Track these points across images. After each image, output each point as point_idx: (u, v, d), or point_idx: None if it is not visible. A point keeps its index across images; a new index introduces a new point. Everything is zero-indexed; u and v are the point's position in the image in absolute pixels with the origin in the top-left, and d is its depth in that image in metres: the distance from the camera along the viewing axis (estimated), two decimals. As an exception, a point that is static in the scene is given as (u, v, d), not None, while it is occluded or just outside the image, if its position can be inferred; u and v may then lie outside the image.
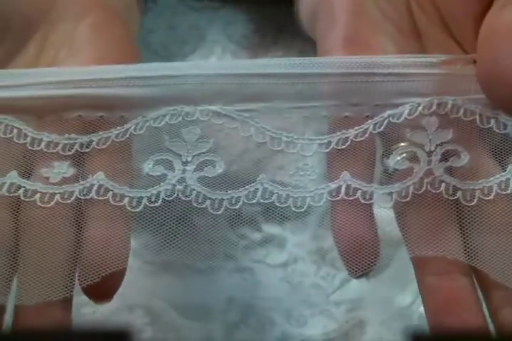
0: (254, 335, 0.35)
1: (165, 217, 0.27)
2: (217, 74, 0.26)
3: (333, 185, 0.26)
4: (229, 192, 0.26)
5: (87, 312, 0.26)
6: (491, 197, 0.25)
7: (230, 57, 0.40)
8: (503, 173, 0.25)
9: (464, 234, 0.25)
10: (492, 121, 0.26)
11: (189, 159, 0.26)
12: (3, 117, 0.27)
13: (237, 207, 0.25)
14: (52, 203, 0.25)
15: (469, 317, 0.24)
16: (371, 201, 0.26)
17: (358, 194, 0.25)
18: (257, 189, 0.26)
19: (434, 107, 0.26)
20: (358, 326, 0.35)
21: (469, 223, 0.25)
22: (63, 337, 0.23)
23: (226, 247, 0.36)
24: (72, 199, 0.26)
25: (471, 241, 0.25)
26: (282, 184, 0.26)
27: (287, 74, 0.26)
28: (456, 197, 0.25)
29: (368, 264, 0.25)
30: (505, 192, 0.25)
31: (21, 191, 0.26)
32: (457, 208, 0.26)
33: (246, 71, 0.26)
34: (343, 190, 0.26)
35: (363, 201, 0.25)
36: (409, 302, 0.35)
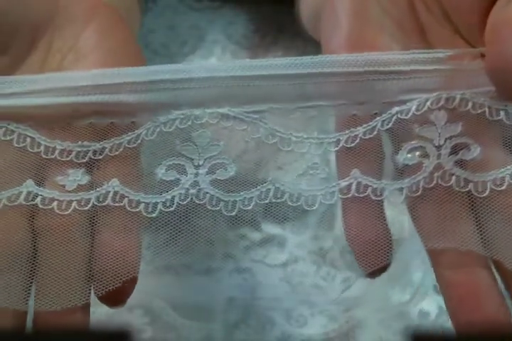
0: (254, 335, 0.35)
1: (165, 217, 0.27)
2: (225, 77, 0.26)
3: (343, 183, 0.26)
4: (241, 193, 0.26)
5: (87, 312, 0.26)
6: (504, 187, 0.25)
7: (230, 57, 0.40)
8: None
9: (479, 225, 0.25)
10: (502, 113, 0.26)
11: (201, 162, 0.26)
12: (16, 126, 0.27)
13: (250, 207, 0.26)
14: (69, 210, 0.26)
15: (492, 310, 0.24)
16: (382, 197, 0.26)
17: (369, 190, 0.26)
18: (269, 189, 0.26)
19: (443, 102, 0.26)
20: (357, 326, 0.35)
21: (483, 214, 0.25)
22: (63, 337, 0.23)
23: (226, 247, 0.36)
24: (89, 206, 0.26)
25: (486, 232, 0.25)
26: (293, 183, 0.26)
27: (294, 75, 0.26)
28: (467, 189, 0.25)
29: (383, 261, 0.25)
30: None
31: (39, 199, 0.26)
32: (471, 200, 0.26)
33: (252, 73, 0.26)
34: (353, 187, 0.26)
35: (373, 197, 0.26)
36: (409, 303, 0.35)
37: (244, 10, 0.42)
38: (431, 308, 0.35)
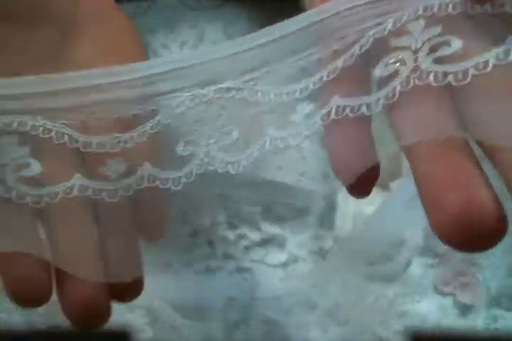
0: (254, 335, 0.35)
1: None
2: (219, 57, 0.28)
3: (324, 111, 0.26)
4: (246, 152, 0.27)
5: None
6: (488, 69, 0.23)
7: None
8: (502, 46, 0.23)
9: (459, 109, 0.24)
10: (487, 6, 0.24)
11: (210, 133, 0.28)
12: (53, 125, 0.29)
13: (252, 161, 0.27)
14: (117, 198, 0.28)
15: (477, 191, 0.22)
16: (359, 112, 0.25)
17: (347, 110, 0.25)
18: (265, 140, 0.27)
19: (420, 12, 0.25)
20: (357, 326, 0.35)
21: (465, 100, 0.24)
22: (63, 336, 0.23)
23: (226, 247, 0.36)
24: (131, 191, 0.28)
25: (469, 117, 0.24)
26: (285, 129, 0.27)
27: (282, 37, 0.27)
28: (447, 81, 0.24)
29: (360, 171, 0.24)
30: (505, 62, 0.23)
31: (90, 191, 0.28)
32: (451, 93, 0.24)
33: (242, 47, 0.28)
34: (333, 111, 0.25)
35: (351, 115, 0.25)
36: (409, 303, 0.35)
37: (245, 9, 0.42)
38: (431, 307, 0.35)
